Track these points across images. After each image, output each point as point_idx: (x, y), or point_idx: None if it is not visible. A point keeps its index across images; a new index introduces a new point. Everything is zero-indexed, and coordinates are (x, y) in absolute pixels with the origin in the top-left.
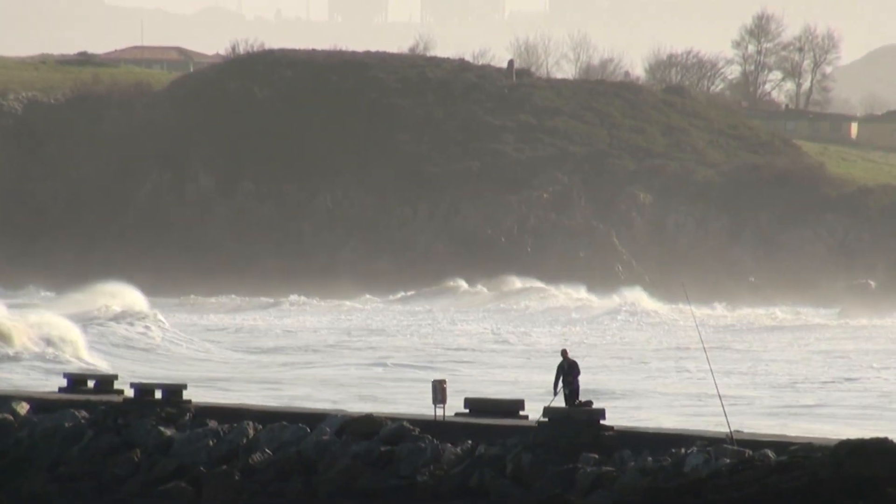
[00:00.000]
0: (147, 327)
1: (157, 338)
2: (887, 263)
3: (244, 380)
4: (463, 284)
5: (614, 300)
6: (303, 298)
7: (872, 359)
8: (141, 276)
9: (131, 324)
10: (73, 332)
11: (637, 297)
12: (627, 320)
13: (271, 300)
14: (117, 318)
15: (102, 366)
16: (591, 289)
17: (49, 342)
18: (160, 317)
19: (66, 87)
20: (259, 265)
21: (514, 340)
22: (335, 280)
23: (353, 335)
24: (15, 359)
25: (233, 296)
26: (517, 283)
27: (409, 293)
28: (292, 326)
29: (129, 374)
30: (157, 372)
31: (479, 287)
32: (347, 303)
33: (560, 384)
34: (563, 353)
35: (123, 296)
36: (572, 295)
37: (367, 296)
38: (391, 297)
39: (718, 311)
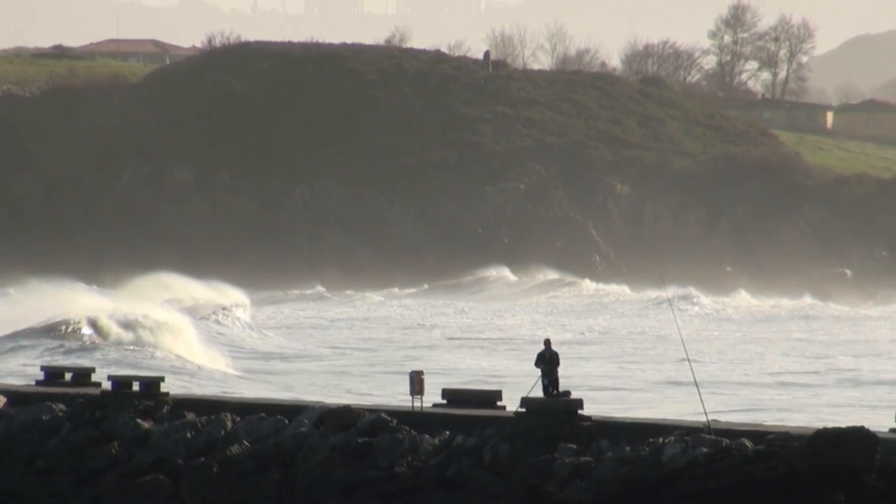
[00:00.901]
0: (237, 320)
1: (264, 335)
2: (863, 253)
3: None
4: (504, 273)
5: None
6: (348, 292)
7: (849, 348)
8: (118, 269)
9: (219, 319)
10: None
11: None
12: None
13: (281, 292)
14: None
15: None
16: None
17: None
18: (239, 312)
19: (42, 80)
20: (237, 258)
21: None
22: (316, 272)
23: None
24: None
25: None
26: (549, 274)
27: (444, 282)
28: (354, 316)
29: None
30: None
31: (512, 276)
32: (368, 295)
33: (540, 374)
34: (547, 342)
35: (180, 288)
36: (603, 287)
37: (392, 288)
38: (417, 289)
39: (703, 301)
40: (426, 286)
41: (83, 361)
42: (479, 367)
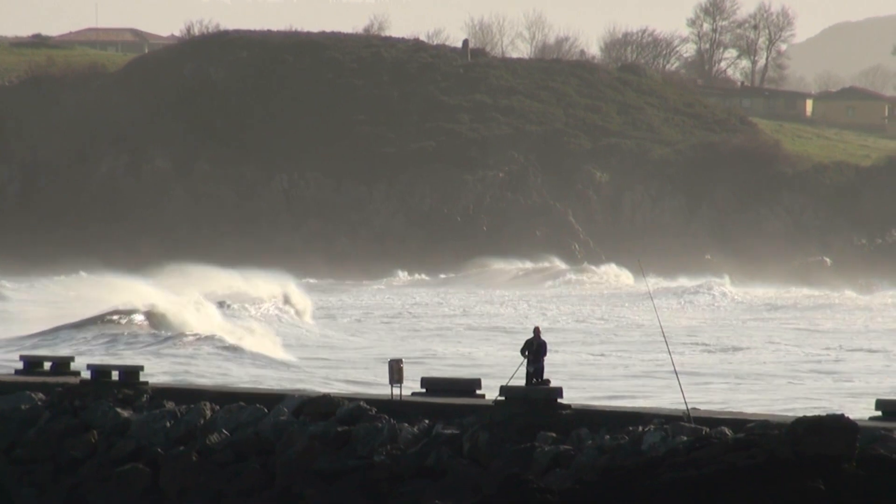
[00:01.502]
0: (283, 311)
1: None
2: (842, 240)
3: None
4: (505, 264)
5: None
6: (330, 280)
7: (829, 336)
8: (97, 258)
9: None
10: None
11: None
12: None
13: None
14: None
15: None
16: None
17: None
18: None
19: (21, 69)
20: (217, 246)
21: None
22: (297, 261)
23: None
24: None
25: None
26: (559, 264)
27: (446, 275)
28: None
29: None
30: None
31: (517, 265)
32: (370, 284)
33: (526, 362)
34: (536, 330)
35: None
36: (616, 276)
37: (390, 277)
38: (418, 276)
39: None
40: (425, 276)
41: (133, 353)
42: (459, 355)
